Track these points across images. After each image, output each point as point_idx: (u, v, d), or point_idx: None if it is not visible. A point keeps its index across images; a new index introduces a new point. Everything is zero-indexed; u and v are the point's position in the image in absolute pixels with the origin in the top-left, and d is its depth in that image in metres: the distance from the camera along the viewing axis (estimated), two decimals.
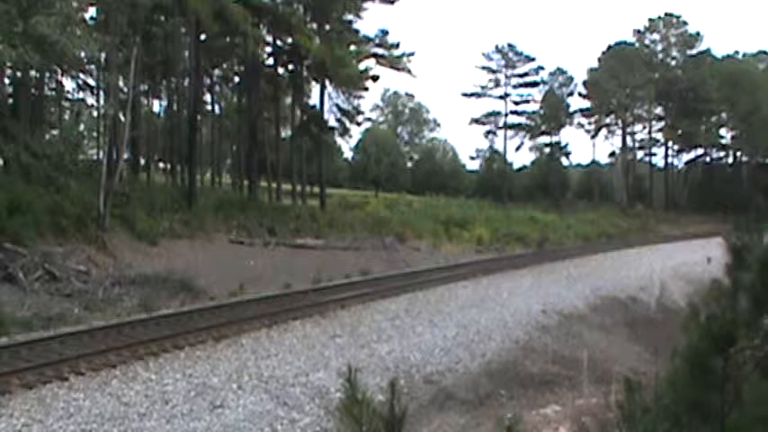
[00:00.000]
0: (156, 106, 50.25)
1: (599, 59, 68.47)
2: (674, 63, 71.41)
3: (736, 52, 71.48)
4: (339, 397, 2.32)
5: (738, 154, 73.56)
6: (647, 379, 2.73)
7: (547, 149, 70.39)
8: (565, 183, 70.86)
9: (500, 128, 68.89)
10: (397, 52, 43.50)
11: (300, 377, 12.78)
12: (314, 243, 29.65)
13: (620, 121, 69.34)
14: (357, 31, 42.54)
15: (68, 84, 35.18)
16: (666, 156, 73.17)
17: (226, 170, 57.51)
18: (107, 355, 12.22)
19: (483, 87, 67.20)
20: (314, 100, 46.96)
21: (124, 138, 26.14)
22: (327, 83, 41.82)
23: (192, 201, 29.48)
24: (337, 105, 47.69)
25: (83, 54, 23.15)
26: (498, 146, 70.59)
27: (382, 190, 60.58)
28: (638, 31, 70.87)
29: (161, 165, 47.76)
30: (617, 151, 71.77)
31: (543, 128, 68.79)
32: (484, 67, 66.97)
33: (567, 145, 72.96)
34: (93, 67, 30.79)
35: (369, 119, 68.09)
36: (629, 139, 70.97)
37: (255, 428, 10.60)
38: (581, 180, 74.07)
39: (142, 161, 41.89)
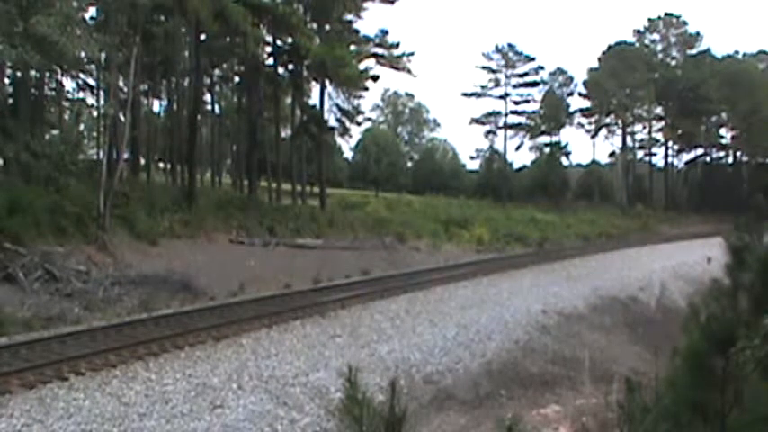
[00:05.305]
0: (156, 106, 50.33)
1: (599, 59, 68.51)
2: (674, 63, 71.44)
3: (736, 52, 71.63)
4: (339, 397, 2.32)
5: (738, 154, 73.58)
6: (647, 379, 2.73)
7: (547, 149, 70.35)
8: (565, 183, 70.75)
9: (500, 128, 68.89)
10: (397, 52, 43.60)
11: (300, 377, 12.78)
12: (314, 243, 29.64)
13: (620, 121, 69.31)
14: (357, 31, 42.61)
15: (68, 84, 35.17)
16: (666, 156, 73.30)
17: (226, 170, 57.49)
18: (107, 355, 12.22)
19: (483, 87, 67.21)
20: (314, 100, 47.02)
21: (124, 138, 26.15)
22: (327, 83, 41.81)
23: (191, 201, 29.46)
24: (337, 105, 47.75)
25: (83, 54, 23.14)
26: (498, 146, 70.63)
27: (382, 190, 60.54)
28: (638, 31, 71.01)
29: (161, 165, 47.75)
30: (617, 151, 71.81)
31: (543, 128, 68.75)
32: (484, 67, 66.99)
33: (567, 145, 72.97)
34: (93, 67, 30.77)
35: (369, 119, 68.13)
36: (629, 139, 71.07)
37: (255, 428, 10.60)
38: (581, 180, 73.98)
39: (142, 161, 41.87)
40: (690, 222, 57.94)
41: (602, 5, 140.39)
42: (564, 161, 72.04)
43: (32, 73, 28.62)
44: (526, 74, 66.82)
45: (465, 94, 74.69)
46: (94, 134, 31.96)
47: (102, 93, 33.07)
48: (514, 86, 67.19)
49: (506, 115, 68.15)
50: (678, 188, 73.35)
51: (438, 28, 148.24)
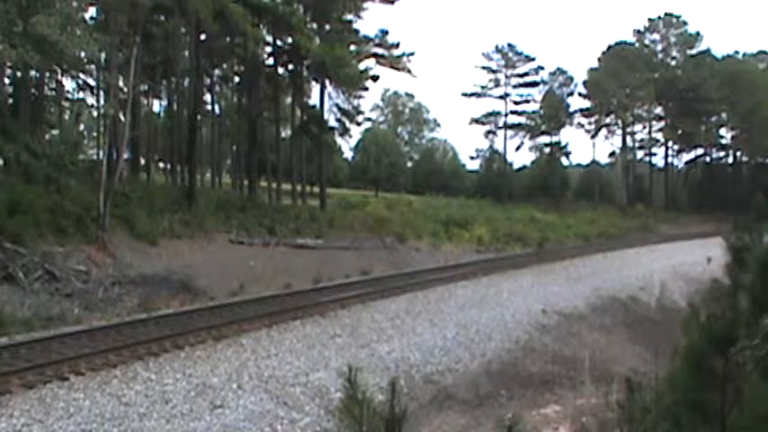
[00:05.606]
0: (156, 106, 50.36)
1: (599, 59, 68.43)
2: (674, 63, 71.38)
3: (736, 52, 71.61)
4: (339, 397, 2.32)
5: (738, 154, 73.58)
6: (647, 379, 2.73)
7: (547, 149, 70.32)
8: (565, 183, 70.73)
9: (500, 128, 68.85)
10: (397, 52, 43.56)
11: (300, 377, 12.79)
12: (314, 243, 29.63)
13: (620, 121, 69.29)
14: (357, 31, 42.56)
15: (68, 84, 35.21)
16: (666, 156, 73.28)
17: (226, 170, 57.46)
18: (107, 355, 12.23)
19: (483, 87, 67.16)
20: (314, 100, 47.00)
21: (124, 138, 26.13)
22: (327, 83, 41.80)
23: (191, 201, 29.46)
24: (337, 105, 47.67)
25: (83, 54, 23.13)
26: (498, 146, 70.59)
27: (382, 190, 60.55)
28: (638, 31, 70.92)
29: (161, 165, 47.75)
30: (617, 151, 71.82)
31: (543, 128, 68.68)
32: (484, 67, 66.96)
33: (567, 145, 72.98)
34: (93, 67, 30.78)
35: (369, 119, 68.04)
36: (629, 139, 71.04)
37: (255, 428, 10.60)
38: (581, 180, 73.95)
39: (142, 161, 41.88)
40: (690, 222, 57.94)
41: (602, 5, 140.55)
42: (564, 161, 72.14)
43: (32, 73, 28.63)
44: (526, 74, 66.83)
45: (465, 94, 74.87)
46: (94, 134, 32.02)
47: (102, 93, 33.12)
48: (514, 86, 67.25)
49: (506, 115, 68.20)
50: (678, 188, 73.33)
51: (438, 28, 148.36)
